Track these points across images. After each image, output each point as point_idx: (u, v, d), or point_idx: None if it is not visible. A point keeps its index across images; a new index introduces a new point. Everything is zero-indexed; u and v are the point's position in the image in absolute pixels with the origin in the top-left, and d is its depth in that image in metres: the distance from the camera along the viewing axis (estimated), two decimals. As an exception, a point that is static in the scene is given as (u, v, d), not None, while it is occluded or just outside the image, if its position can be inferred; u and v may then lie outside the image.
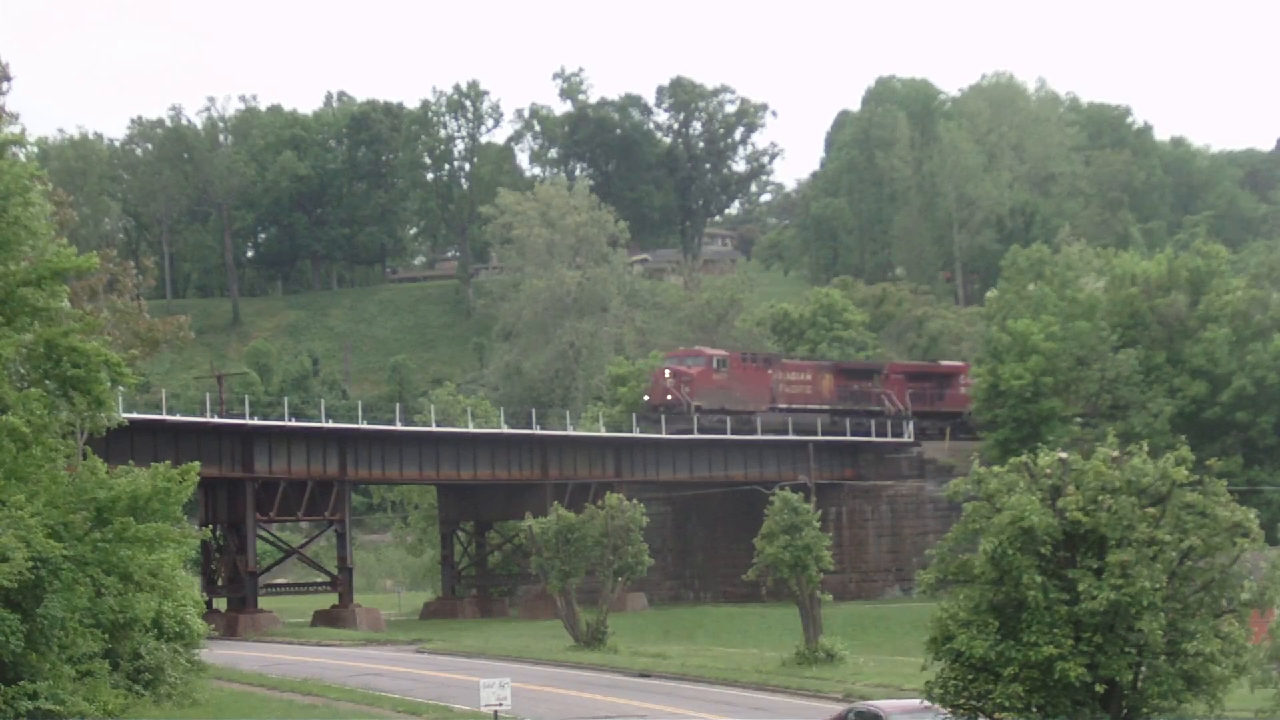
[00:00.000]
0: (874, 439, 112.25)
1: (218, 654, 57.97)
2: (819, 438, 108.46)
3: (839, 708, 40.91)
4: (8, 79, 52.66)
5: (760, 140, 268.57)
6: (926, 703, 35.16)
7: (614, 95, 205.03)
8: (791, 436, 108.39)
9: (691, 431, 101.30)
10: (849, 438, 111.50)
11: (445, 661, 65.52)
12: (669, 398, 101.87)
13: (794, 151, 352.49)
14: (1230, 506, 32.70)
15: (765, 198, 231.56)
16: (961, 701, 32.81)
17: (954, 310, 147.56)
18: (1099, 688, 31.75)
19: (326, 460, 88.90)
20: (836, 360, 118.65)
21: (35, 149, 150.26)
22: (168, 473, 37.91)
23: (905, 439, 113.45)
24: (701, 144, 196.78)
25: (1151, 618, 31.17)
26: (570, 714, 47.56)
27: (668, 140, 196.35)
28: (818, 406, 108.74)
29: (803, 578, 64.06)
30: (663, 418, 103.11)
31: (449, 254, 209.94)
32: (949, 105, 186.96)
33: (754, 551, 65.33)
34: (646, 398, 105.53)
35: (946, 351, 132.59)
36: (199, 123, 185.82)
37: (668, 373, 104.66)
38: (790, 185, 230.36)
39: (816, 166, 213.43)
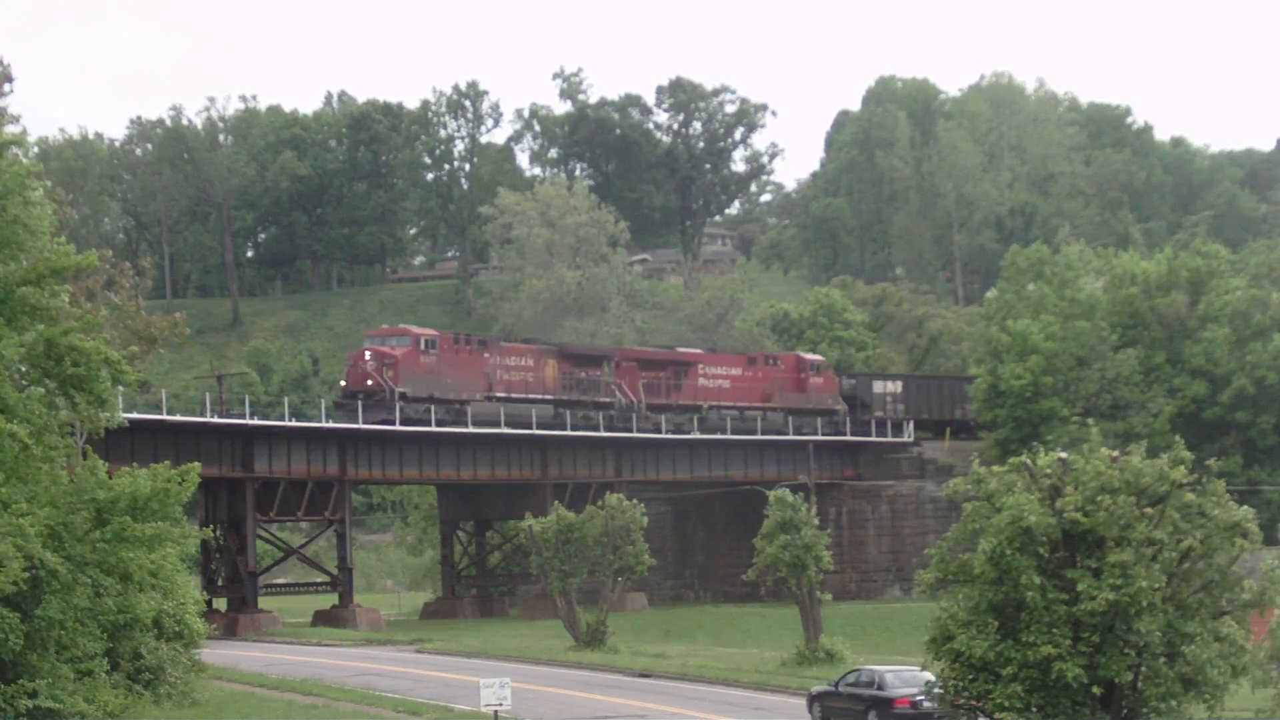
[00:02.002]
0: (874, 439, 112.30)
1: (218, 654, 58.00)
2: (819, 438, 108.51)
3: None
4: (10, 80, 52.64)
5: (760, 140, 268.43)
6: (917, 668, 41.70)
7: (614, 95, 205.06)
8: (791, 436, 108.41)
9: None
10: (849, 438, 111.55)
11: (445, 661, 65.52)
12: (369, 383, 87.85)
13: (794, 151, 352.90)
14: (1229, 507, 32.74)
15: (765, 198, 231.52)
16: (961, 701, 32.86)
17: (954, 310, 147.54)
18: (1096, 689, 31.76)
19: (326, 460, 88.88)
20: (561, 344, 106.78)
21: (36, 149, 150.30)
22: (167, 473, 37.93)
23: (905, 439, 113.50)
24: (701, 144, 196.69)
25: (1150, 618, 31.20)
26: (570, 714, 47.56)
27: (668, 140, 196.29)
28: (540, 396, 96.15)
29: (802, 578, 64.08)
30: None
31: (449, 254, 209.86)
32: (949, 105, 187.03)
33: (754, 551, 65.35)
34: (343, 383, 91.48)
35: (946, 351, 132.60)
36: (199, 123, 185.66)
37: (368, 354, 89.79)
38: (790, 185, 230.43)
39: (816, 166, 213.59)
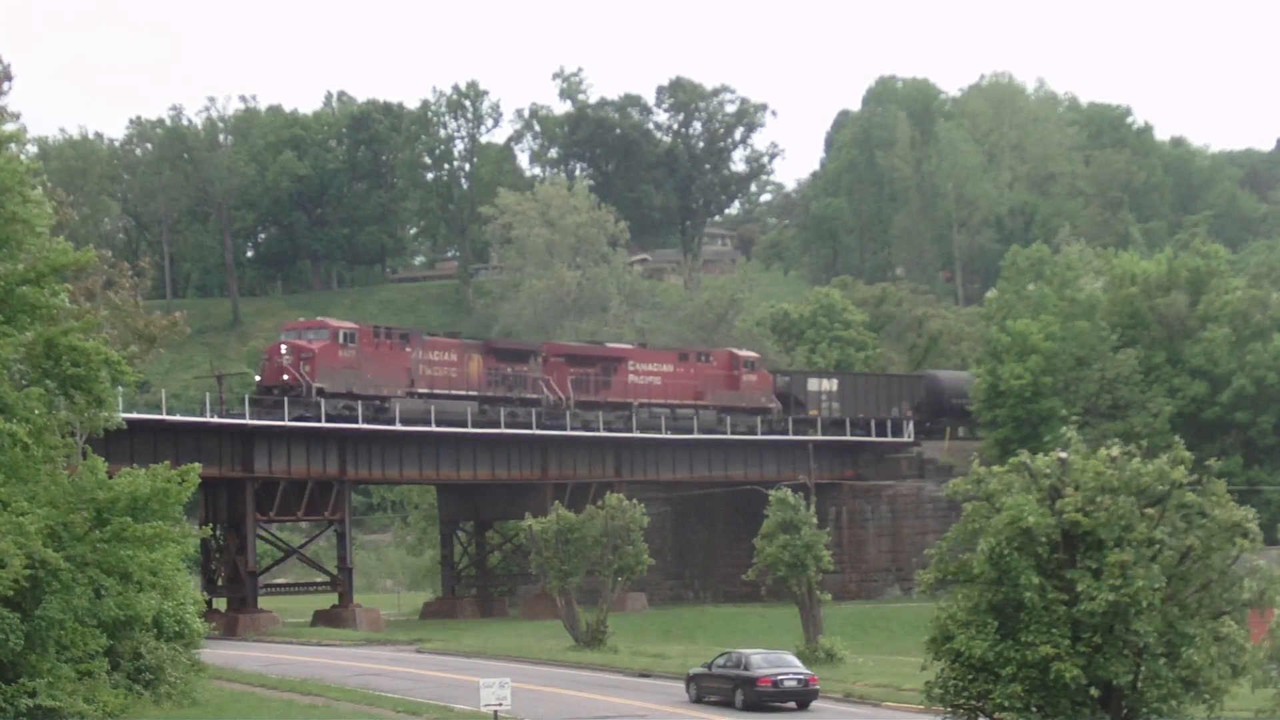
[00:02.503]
0: (874, 439, 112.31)
1: (218, 654, 58.00)
2: (819, 438, 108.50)
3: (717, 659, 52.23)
4: (9, 79, 52.64)
5: (760, 140, 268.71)
6: (786, 653, 51.72)
7: (614, 95, 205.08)
8: (791, 436, 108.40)
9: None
10: (849, 437, 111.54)
11: (445, 661, 65.52)
12: (285, 377, 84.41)
13: (794, 151, 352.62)
14: (1229, 507, 32.72)
15: (765, 198, 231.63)
16: (961, 701, 32.85)
17: (954, 310, 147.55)
18: (1093, 691, 31.75)
19: (326, 460, 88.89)
20: (487, 339, 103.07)
21: (35, 148, 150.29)
22: (167, 473, 37.92)
23: (905, 439, 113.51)
24: (701, 144, 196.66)
25: (1149, 619, 31.18)
26: (570, 714, 47.55)
27: (668, 140, 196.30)
28: (464, 392, 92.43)
29: (802, 578, 64.09)
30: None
31: (449, 254, 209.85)
32: (949, 105, 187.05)
33: (754, 551, 65.35)
34: (259, 377, 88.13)
35: (946, 351, 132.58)
36: (199, 123, 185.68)
37: (284, 348, 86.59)
38: (790, 185, 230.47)
39: (816, 166, 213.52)
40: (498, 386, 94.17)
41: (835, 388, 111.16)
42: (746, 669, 49.72)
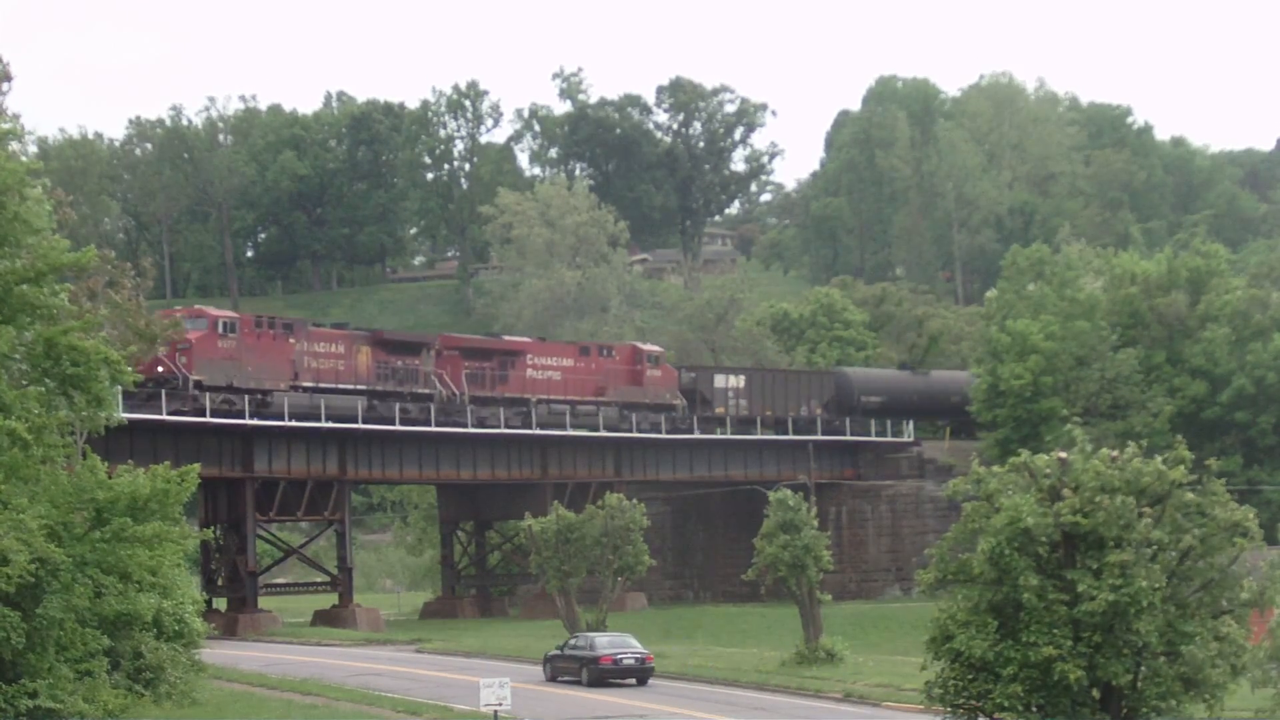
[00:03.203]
0: (874, 439, 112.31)
1: (218, 654, 57.99)
2: (819, 438, 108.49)
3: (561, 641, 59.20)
4: (9, 79, 52.61)
5: (760, 140, 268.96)
6: (629, 636, 58.58)
7: (614, 95, 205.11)
8: (791, 436, 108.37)
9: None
10: (849, 438, 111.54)
11: (445, 661, 65.53)
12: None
13: (794, 151, 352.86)
14: (1229, 506, 32.71)
15: (765, 198, 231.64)
16: (961, 701, 32.84)
17: (954, 310, 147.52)
18: (1094, 692, 31.74)
19: (326, 460, 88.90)
20: (376, 330, 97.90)
21: (34, 147, 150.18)
22: (167, 474, 37.91)
23: (905, 439, 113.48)
24: (701, 144, 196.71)
25: (1149, 618, 31.16)
26: (570, 714, 47.55)
27: (668, 140, 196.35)
28: (352, 386, 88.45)
29: (802, 578, 64.06)
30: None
31: (449, 254, 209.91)
32: (949, 105, 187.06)
33: (754, 551, 65.33)
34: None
35: (946, 351, 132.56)
36: (199, 123, 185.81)
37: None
38: (790, 185, 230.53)
39: (816, 166, 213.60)
40: (388, 380, 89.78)
41: (743, 384, 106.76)
42: (591, 649, 56.25)
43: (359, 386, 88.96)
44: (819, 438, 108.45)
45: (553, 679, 56.88)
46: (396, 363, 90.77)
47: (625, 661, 55.73)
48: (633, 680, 55.66)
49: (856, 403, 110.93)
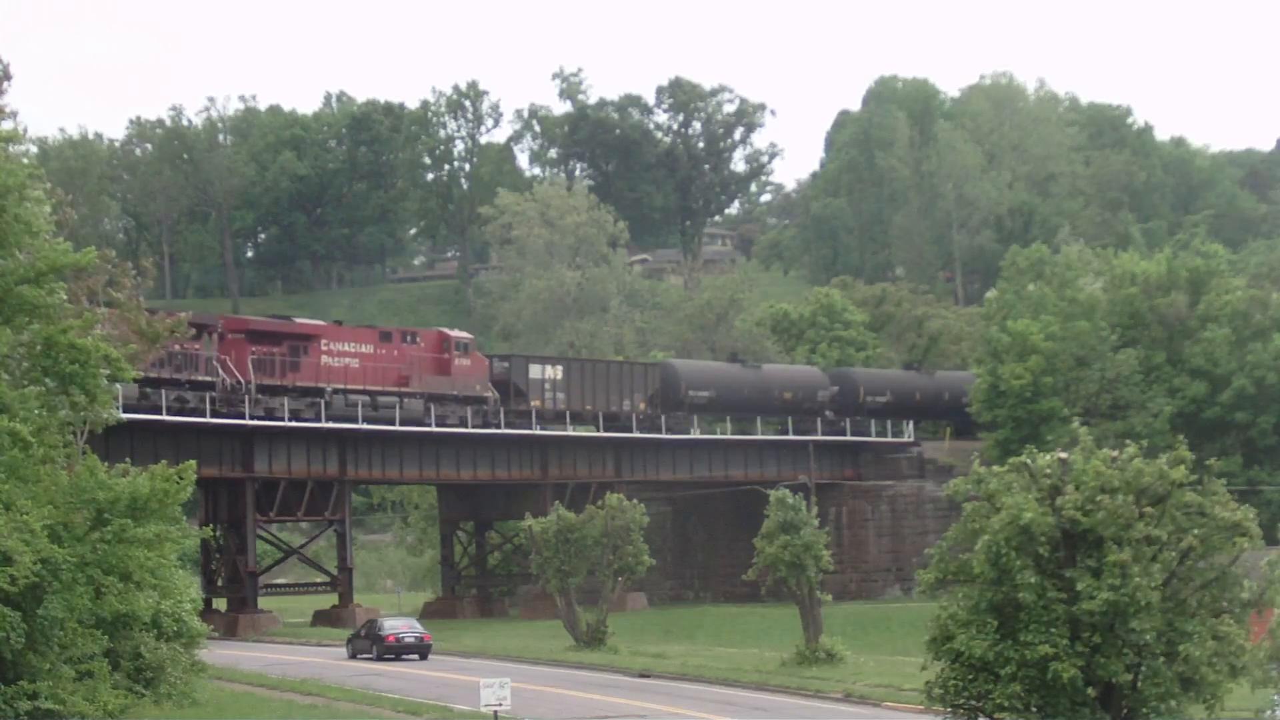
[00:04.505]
0: (874, 439, 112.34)
1: (218, 654, 57.97)
2: (819, 438, 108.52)
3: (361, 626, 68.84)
4: (9, 79, 52.57)
5: (760, 140, 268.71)
6: (414, 620, 71.18)
7: (613, 95, 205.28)
8: (791, 436, 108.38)
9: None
10: (849, 438, 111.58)
11: (445, 661, 65.56)
12: None
13: (794, 151, 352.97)
14: (1229, 506, 32.70)
15: (765, 198, 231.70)
16: (961, 702, 32.84)
17: (954, 310, 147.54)
18: (1090, 691, 31.69)
19: (326, 460, 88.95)
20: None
21: (34, 147, 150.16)
22: (165, 473, 37.89)
23: (905, 439, 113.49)
24: (701, 144, 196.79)
25: (1147, 618, 31.15)
26: (570, 714, 47.55)
27: (667, 140, 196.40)
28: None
29: (802, 578, 64.05)
30: (662, 418, 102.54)
31: (449, 254, 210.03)
32: (949, 105, 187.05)
33: (754, 551, 65.32)
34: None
35: (946, 351, 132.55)
36: (199, 123, 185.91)
37: None
38: (790, 185, 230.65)
39: (816, 166, 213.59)
40: (163, 367, 79.64)
41: (560, 375, 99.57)
42: (380, 631, 66.83)
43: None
44: (819, 438, 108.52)
45: (353, 657, 66.62)
46: (173, 347, 77.91)
47: (407, 640, 66.35)
48: (415, 655, 65.88)
49: (684, 397, 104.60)
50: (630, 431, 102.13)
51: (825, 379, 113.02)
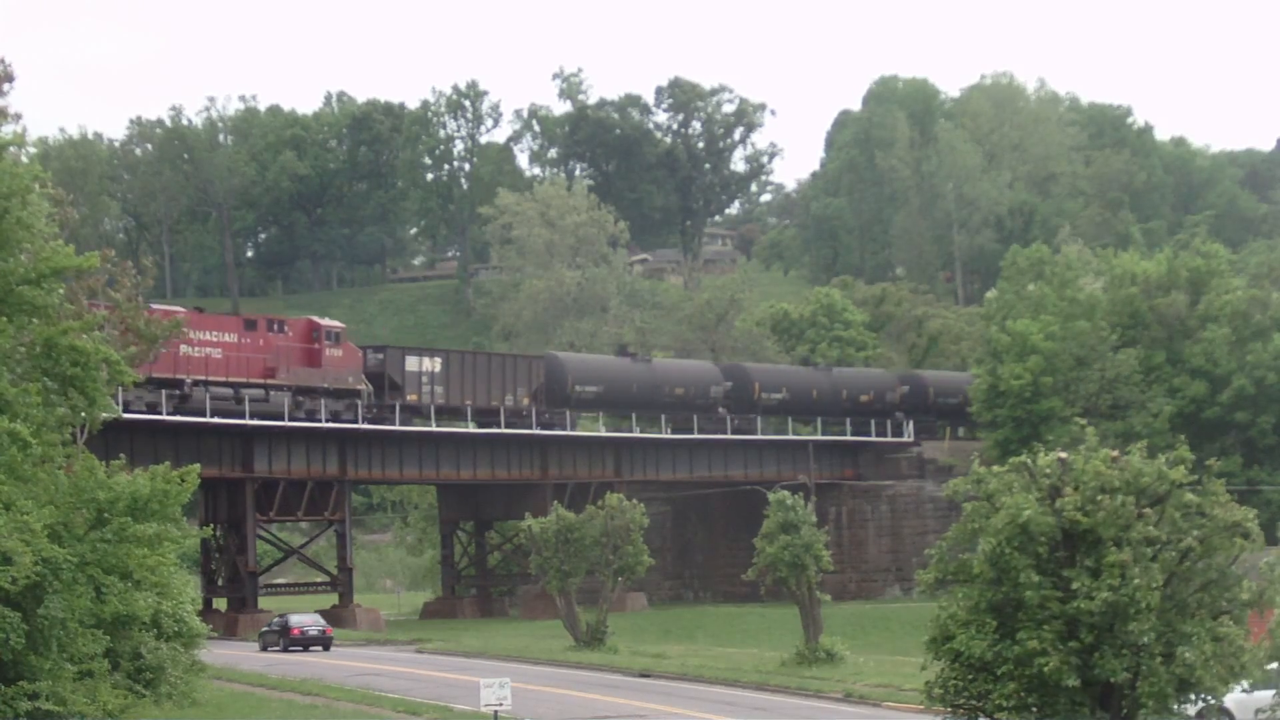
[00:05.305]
0: (874, 439, 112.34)
1: (218, 654, 58.01)
2: (819, 438, 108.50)
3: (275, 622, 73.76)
4: (10, 79, 52.54)
5: (760, 140, 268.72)
6: (318, 615, 75.82)
7: (613, 95, 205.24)
8: (791, 436, 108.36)
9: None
10: (849, 438, 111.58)
11: (445, 661, 65.55)
12: None
13: (794, 151, 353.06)
14: (1229, 507, 32.66)
15: (765, 198, 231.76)
16: (961, 701, 32.82)
17: (954, 310, 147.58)
18: (1072, 682, 31.58)
19: (326, 460, 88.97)
20: None
21: (34, 149, 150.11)
22: (167, 474, 37.89)
23: (905, 439, 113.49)
24: (701, 144, 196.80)
25: (1145, 619, 31.12)
26: (570, 714, 47.54)
27: (667, 140, 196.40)
28: None
29: (802, 577, 64.05)
30: (664, 419, 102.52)
31: (449, 254, 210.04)
32: (949, 105, 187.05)
33: (754, 551, 65.31)
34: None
35: (946, 351, 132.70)
36: (199, 123, 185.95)
37: None
38: (790, 185, 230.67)
39: (816, 166, 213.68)
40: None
41: (439, 368, 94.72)
42: (286, 624, 72.03)
43: None
44: (819, 438, 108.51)
45: (264, 649, 71.13)
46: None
47: (310, 633, 71.85)
48: (319, 647, 71.21)
49: (570, 392, 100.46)
50: (631, 431, 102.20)
51: (718, 374, 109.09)
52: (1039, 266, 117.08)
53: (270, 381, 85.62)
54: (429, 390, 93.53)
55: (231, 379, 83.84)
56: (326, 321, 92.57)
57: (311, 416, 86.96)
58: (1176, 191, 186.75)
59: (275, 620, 74.49)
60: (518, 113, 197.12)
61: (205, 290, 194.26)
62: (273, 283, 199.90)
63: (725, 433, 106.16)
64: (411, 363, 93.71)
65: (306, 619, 74.29)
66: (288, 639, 71.55)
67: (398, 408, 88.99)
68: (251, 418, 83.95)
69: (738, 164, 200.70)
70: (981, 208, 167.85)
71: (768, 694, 54.71)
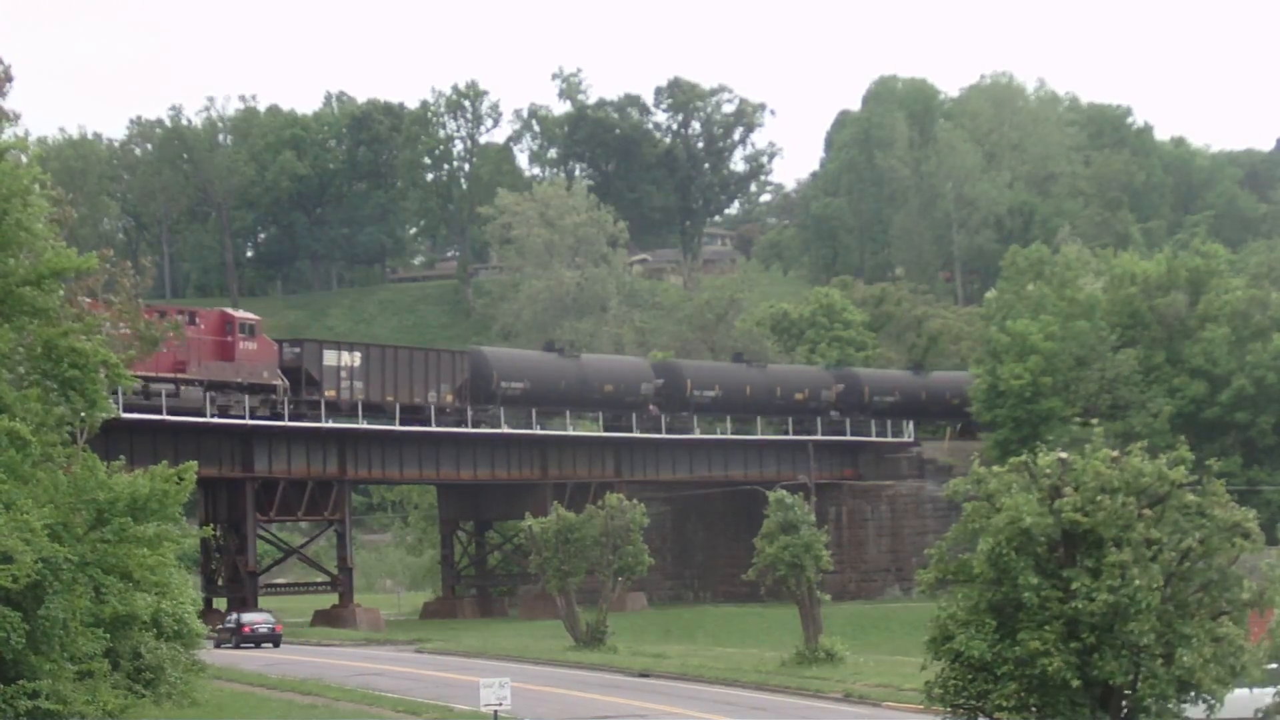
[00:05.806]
0: (874, 439, 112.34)
1: (218, 654, 58.03)
2: (819, 438, 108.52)
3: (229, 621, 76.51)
4: (10, 80, 52.56)
5: (759, 140, 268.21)
6: (268, 614, 77.63)
7: (613, 95, 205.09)
8: (791, 436, 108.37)
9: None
10: (849, 438, 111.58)
11: (445, 661, 65.54)
12: None
13: (794, 151, 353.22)
14: (1229, 507, 32.66)
15: (765, 198, 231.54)
16: (961, 701, 32.82)
17: (954, 310, 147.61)
18: (1075, 683, 31.58)
19: (326, 460, 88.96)
20: None
21: (35, 150, 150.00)
22: (165, 473, 37.89)
23: (905, 439, 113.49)
24: (701, 144, 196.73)
25: (1144, 620, 31.11)
26: (570, 714, 47.54)
27: (667, 140, 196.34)
28: None
29: (801, 577, 64.04)
30: (663, 417, 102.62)
31: (449, 254, 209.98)
32: (949, 105, 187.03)
33: (754, 551, 65.29)
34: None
35: (946, 351, 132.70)
36: (199, 123, 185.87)
37: None
38: (790, 185, 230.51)
39: (816, 166, 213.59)
40: None
41: (358, 363, 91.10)
42: (239, 622, 75.35)
43: None
44: (819, 438, 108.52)
45: (217, 646, 70.34)
46: None
47: (260, 630, 74.78)
48: (270, 644, 73.89)
49: (496, 389, 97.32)
50: (633, 431, 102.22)
51: (649, 372, 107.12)
52: (1038, 266, 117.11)
53: (181, 376, 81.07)
54: (348, 385, 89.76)
55: (139, 373, 74.41)
56: (240, 313, 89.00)
57: (225, 413, 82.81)
58: (1176, 191, 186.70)
59: (230, 618, 77.16)
60: (517, 113, 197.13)
61: (205, 290, 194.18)
62: (272, 283, 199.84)
63: (725, 432, 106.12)
64: (330, 357, 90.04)
65: (257, 617, 77.17)
66: (240, 636, 74.71)
67: (397, 408, 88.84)
68: (252, 417, 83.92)
69: (737, 164, 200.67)
70: (981, 208, 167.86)
71: (767, 694, 54.72)
